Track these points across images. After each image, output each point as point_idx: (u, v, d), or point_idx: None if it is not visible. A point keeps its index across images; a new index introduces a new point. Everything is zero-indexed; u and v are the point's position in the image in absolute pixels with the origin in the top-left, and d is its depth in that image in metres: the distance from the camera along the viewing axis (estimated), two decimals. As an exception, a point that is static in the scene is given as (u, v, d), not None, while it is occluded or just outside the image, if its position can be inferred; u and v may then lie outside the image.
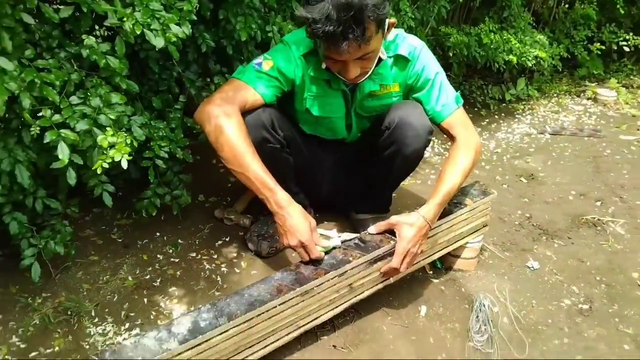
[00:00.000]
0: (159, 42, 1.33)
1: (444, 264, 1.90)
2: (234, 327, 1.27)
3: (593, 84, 4.32)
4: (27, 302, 1.55)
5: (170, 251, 1.83)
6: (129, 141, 1.29)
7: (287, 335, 1.42)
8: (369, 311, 1.66)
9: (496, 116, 3.55)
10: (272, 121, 1.61)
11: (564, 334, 1.69)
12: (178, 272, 1.75)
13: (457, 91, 1.77)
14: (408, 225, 1.49)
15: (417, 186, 2.50)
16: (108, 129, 1.28)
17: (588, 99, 4.07)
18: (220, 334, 1.26)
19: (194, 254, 1.84)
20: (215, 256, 1.84)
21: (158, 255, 1.80)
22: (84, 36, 1.28)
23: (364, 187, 1.97)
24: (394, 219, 1.52)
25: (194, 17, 1.46)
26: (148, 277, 1.71)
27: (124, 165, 1.26)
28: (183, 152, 1.70)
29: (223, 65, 1.95)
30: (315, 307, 1.45)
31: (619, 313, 1.80)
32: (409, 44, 1.69)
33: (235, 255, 1.86)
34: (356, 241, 1.56)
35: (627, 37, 4.31)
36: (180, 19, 1.40)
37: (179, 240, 1.88)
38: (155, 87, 1.77)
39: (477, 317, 1.68)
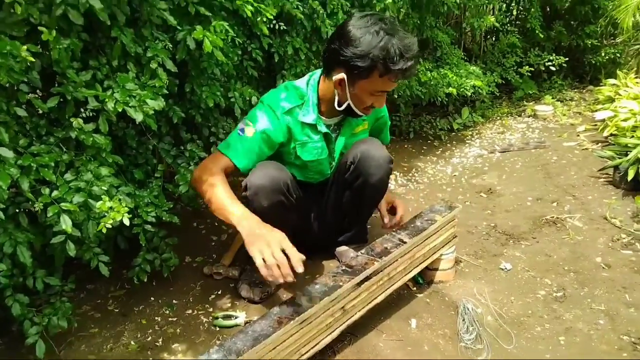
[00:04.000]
0: (138, 117, 1.49)
1: (424, 279, 2.04)
2: None
3: (531, 103, 4.68)
4: (36, 381, 1.60)
5: (167, 312, 1.91)
6: (123, 204, 1.42)
7: None
8: (364, 333, 1.77)
9: (448, 144, 3.81)
10: (288, 185, 1.78)
11: (544, 320, 1.83)
12: (178, 330, 1.82)
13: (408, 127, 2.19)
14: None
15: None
16: (103, 197, 1.40)
17: (528, 116, 4.41)
18: (232, 369, 1.35)
19: (190, 311, 1.92)
20: (211, 309, 1.93)
21: (156, 318, 1.88)
22: (72, 119, 1.43)
23: (342, 221, 2.13)
24: (389, 198, 2.09)
25: (166, 91, 1.64)
26: (150, 338, 1.78)
27: (126, 222, 1.39)
28: (168, 214, 1.83)
29: (193, 134, 2.11)
30: (314, 333, 1.56)
31: (590, 294, 1.96)
32: None
33: (229, 305, 1.95)
34: (343, 267, 1.70)
35: (551, 57, 4.74)
36: (154, 95, 1.57)
37: (174, 301, 1.97)
38: (134, 161, 1.91)
39: (464, 319, 1.82)
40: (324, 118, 1.90)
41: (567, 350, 1.68)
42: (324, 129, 1.89)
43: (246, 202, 1.75)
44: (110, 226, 1.38)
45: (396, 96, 3.58)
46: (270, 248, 1.49)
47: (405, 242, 1.79)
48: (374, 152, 1.89)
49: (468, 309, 1.85)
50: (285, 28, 2.28)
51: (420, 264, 1.90)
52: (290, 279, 1.49)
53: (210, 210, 1.70)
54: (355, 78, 1.71)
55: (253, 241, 1.52)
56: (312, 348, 1.57)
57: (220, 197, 1.65)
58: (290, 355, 1.51)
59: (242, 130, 1.80)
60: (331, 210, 2.10)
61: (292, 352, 1.51)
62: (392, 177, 3.17)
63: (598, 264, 2.16)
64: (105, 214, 1.38)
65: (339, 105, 1.82)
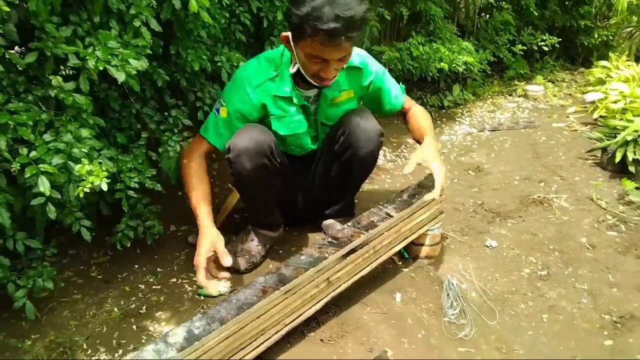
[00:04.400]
0: (120, 76, 1.43)
1: (410, 254, 2.03)
2: (226, 330, 1.35)
3: (522, 83, 4.66)
4: (16, 345, 1.56)
5: (151, 280, 1.88)
6: (104, 168, 1.38)
7: (276, 333, 1.50)
8: (348, 305, 1.76)
9: (438, 122, 3.78)
10: (272, 148, 1.74)
11: (528, 298, 1.84)
12: (162, 298, 1.80)
13: (399, 96, 2.07)
14: (438, 162, 1.84)
15: (375, 191, 2.65)
16: (83, 159, 1.35)
17: (519, 96, 4.39)
18: (215, 337, 1.33)
19: (174, 280, 1.89)
20: (196, 279, 1.90)
21: (140, 285, 1.85)
22: (50, 77, 1.36)
23: (330, 194, 2.10)
24: (427, 156, 1.85)
25: (149, 51, 1.57)
26: (133, 306, 1.75)
27: (104, 187, 1.34)
28: (151, 181, 1.78)
29: (178, 99, 2.05)
30: (299, 303, 1.55)
31: (574, 273, 1.97)
32: (357, 54, 1.86)
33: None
34: (329, 239, 1.67)
35: (544, 37, 4.70)
36: (137, 54, 1.51)
37: (158, 269, 1.94)
38: (117, 125, 1.85)
39: (448, 295, 1.82)
40: (301, 90, 1.83)
41: (550, 327, 1.69)
42: (300, 102, 1.83)
43: (229, 163, 1.74)
44: (88, 190, 1.33)
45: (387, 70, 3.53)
46: (197, 254, 1.61)
47: (391, 216, 1.77)
48: (365, 124, 1.84)
49: (453, 285, 1.85)
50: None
51: (406, 238, 1.88)
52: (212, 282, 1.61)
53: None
54: (295, 39, 1.64)
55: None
56: (296, 318, 1.56)
57: (191, 194, 1.75)
58: (274, 325, 1.49)
59: (217, 110, 1.82)
60: (319, 182, 2.07)
61: (276, 321, 1.49)
62: (381, 152, 3.13)
63: (583, 244, 2.17)
64: (84, 178, 1.33)
65: (293, 66, 1.75)
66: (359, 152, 1.86)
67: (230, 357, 1.40)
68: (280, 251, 2.06)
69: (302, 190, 2.09)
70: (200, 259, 1.58)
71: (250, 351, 1.45)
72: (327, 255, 1.60)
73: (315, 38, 1.56)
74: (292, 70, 1.75)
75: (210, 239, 1.62)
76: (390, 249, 1.82)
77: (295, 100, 1.82)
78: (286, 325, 1.53)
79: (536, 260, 2.05)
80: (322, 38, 1.54)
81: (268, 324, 1.47)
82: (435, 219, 1.98)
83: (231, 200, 2.22)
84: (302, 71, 1.71)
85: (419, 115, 2.04)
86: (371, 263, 1.75)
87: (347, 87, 1.89)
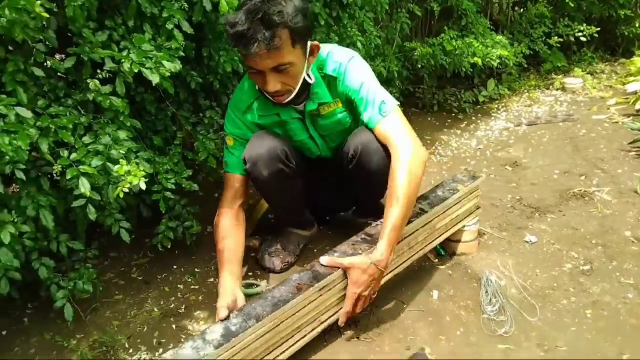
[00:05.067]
0: (155, 78, 1.47)
1: (447, 251, 2.00)
2: (262, 327, 1.36)
3: (559, 76, 4.53)
4: (63, 345, 1.61)
5: (190, 280, 1.91)
6: (141, 168, 1.41)
7: (312, 331, 1.50)
8: (384, 303, 1.74)
9: (473, 117, 3.71)
10: (286, 152, 1.73)
11: (570, 293, 1.78)
12: (200, 297, 1.83)
13: (375, 114, 1.70)
14: (360, 271, 1.49)
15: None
16: (121, 160, 1.39)
17: (557, 89, 4.27)
18: (251, 334, 1.34)
19: (212, 279, 1.92)
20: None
21: (179, 285, 1.88)
22: (88, 80, 1.41)
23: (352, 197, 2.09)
24: (347, 261, 1.50)
25: (182, 54, 1.61)
26: (172, 306, 1.79)
27: (142, 186, 1.37)
28: (188, 182, 1.81)
29: (212, 100, 2.08)
30: (335, 300, 1.54)
31: (618, 268, 1.90)
32: (334, 61, 1.70)
33: (251, 274, 1.95)
34: (362, 236, 1.67)
35: (582, 28, 4.56)
36: (170, 57, 1.54)
37: (196, 269, 1.97)
38: (153, 127, 1.89)
39: (487, 291, 1.78)
40: (294, 106, 1.75)
41: (594, 323, 1.64)
42: (287, 117, 1.77)
43: (247, 174, 1.75)
44: (127, 190, 1.37)
45: (420, 66, 3.50)
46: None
47: (425, 212, 1.74)
48: (375, 145, 1.71)
49: (491, 281, 1.81)
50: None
51: (441, 234, 1.85)
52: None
53: None
54: None
55: None
56: (331, 316, 1.56)
57: (218, 255, 1.66)
58: (310, 322, 1.49)
59: (225, 142, 1.80)
60: (336, 183, 2.02)
61: (311, 319, 1.49)
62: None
63: (627, 238, 2.09)
64: (123, 178, 1.36)
65: None
66: (375, 173, 1.75)
67: (267, 354, 1.41)
68: (315, 250, 2.06)
69: (329, 187, 2.07)
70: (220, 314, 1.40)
71: (287, 348, 1.46)
72: (360, 251, 1.59)
73: (236, 46, 1.50)
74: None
75: (223, 300, 1.45)
76: (426, 246, 1.80)
77: (283, 116, 1.77)
78: (322, 323, 1.53)
79: (578, 255, 1.99)
80: (237, 44, 1.47)
81: (303, 322, 1.47)
82: (471, 215, 1.95)
83: (259, 210, 2.23)
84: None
85: (390, 197, 1.56)
86: (407, 260, 1.73)
87: (329, 98, 1.74)
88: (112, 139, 1.47)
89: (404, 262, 1.72)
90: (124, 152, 1.45)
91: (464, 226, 1.94)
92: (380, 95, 1.69)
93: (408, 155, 1.58)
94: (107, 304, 1.80)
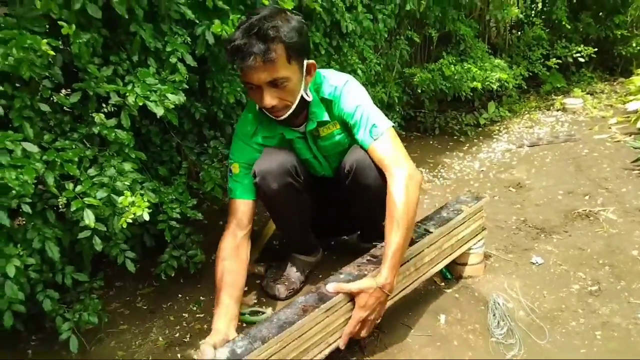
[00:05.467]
0: (159, 111, 1.49)
1: (453, 274, 1.99)
2: (268, 349, 1.35)
3: (559, 97, 4.57)
4: (67, 377, 1.61)
5: (195, 308, 1.91)
6: (145, 200, 1.42)
7: (319, 353, 1.49)
8: (391, 328, 1.73)
9: (475, 140, 3.74)
10: (295, 167, 1.76)
11: (579, 315, 1.77)
12: (205, 326, 1.82)
13: (367, 137, 1.73)
14: (367, 295, 1.51)
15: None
16: (126, 192, 1.41)
17: (557, 110, 4.30)
18: (257, 357, 1.33)
19: (217, 308, 1.91)
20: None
21: (184, 314, 1.88)
22: (94, 114, 1.44)
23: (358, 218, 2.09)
24: (355, 286, 1.51)
25: (186, 86, 1.64)
26: (177, 335, 1.78)
27: (146, 217, 1.38)
28: (193, 211, 1.83)
29: (216, 131, 2.11)
30: (341, 322, 1.53)
31: (627, 288, 1.89)
32: (329, 85, 1.75)
33: (256, 301, 1.94)
34: (368, 258, 1.67)
35: (579, 49, 4.62)
36: (174, 89, 1.57)
37: (201, 297, 1.97)
38: (158, 158, 1.92)
39: (494, 314, 1.76)
40: (295, 129, 1.80)
41: (605, 345, 1.62)
42: (292, 135, 1.80)
43: (256, 189, 1.76)
44: (131, 221, 1.38)
45: (420, 91, 3.54)
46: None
47: (431, 232, 1.75)
48: (369, 162, 1.74)
49: (498, 304, 1.80)
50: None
51: (448, 255, 1.85)
52: None
53: None
54: None
55: None
56: (338, 338, 1.54)
57: (216, 293, 1.61)
58: (317, 345, 1.48)
59: (230, 170, 1.80)
60: (339, 204, 2.02)
61: (318, 341, 1.48)
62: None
63: (635, 257, 2.08)
64: (127, 209, 1.38)
65: None
66: (371, 190, 1.77)
67: (274, 379, 1.40)
68: (320, 275, 2.06)
69: (334, 207, 2.08)
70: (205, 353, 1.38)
71: None
72: (366, 272, 1.59)
73: (233, 61, 1.55)
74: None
75: (211, 339, 1.44)
76: (433, 267, 1.80)
77: (287, 136, 1.80)
78: (329, 345, 1.52)
79: (585, 276, 1.98)
80: (234, 59, 1.53)
81: (310, 344, 1.46)
82: (477, 236, 1.95)
83: (270, 226, 2.25)
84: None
85: (389, 222, 1.59)
86: (414, 281, 1.73)
87: (330, 119, 1.78)
88: (117, 171, 1.49)
89: (411, 283, 1.72)
90: (128, 184, 1.47)
91: (469, 248, 1.93)
92: (373, 118, 1.72)
93: (403, 178, 1.60)
94: (112, 334, 1.79)
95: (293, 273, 1.99)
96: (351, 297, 1.53)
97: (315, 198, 1.96)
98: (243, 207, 1.77)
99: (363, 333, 1.56)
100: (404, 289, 1.69)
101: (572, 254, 2.14)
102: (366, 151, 1.73)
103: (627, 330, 1.67)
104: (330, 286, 1.53)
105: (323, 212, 2.07)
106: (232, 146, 1.83)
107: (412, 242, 1.69)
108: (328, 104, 1.76)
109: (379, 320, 1.60)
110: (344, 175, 1.81)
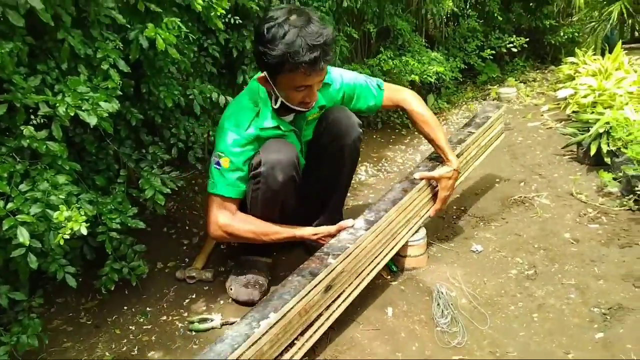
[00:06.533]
0: (92, 120, 1.45)
1: (398, 267, 2.04)
2: (389, 217, 1.85)
3: (495, 86, 4.74)
4: (6, 402, 1.54)
5: (142, 320, 1.87)
6: (82, 213, 1.38)
7: (416, 222, 2.02)
8: (340, 325, 1.75)
9: (416, 133, 3.82)
10: (299, 161, 1.83)
11: (517, 299, 1.86)
12: (153, 337, 1.78)
13: (377, 89, 2.10)
14: (446, 179, 2.06)
15: (359, 207, 2.67)
16: (61, 206, 1.36)
17: (493, 99, 4.46)
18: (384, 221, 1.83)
19: (164, 317, 1.88)
20: (186, 314, 1.89)
21: (130, 327, 1.83)
22: (22, 127, 1.38)
23: (318, 201, 2.15)
24: (436, 173, 2.05)
25: (120, 93, 1.60)
26: (124, 348, 1.74)
27: (84, 231, 1.34)
28: (134, 220, 1.78)
29: (155, 136, 2.07)
30: (425, 200, 2.06)
31: (560, 270, 2.00)
32: None
33: (205, 308, 1.92)
34: (425, 163, 2.19)
35: (512, 39, 4.80)
36: (107, 97, 1.53)
37: (148, 309, 1.92)
38: (95, 168, 1.86)
39: (438, 304, 1.82)
40: (283, 118, 1.87)
41: (541, 326, 1.71)
42: (287, 128, 1.88)
43: (256, 179, 1.77)
44: (68, 237, 1.34)
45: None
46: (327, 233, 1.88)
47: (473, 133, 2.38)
48: (344, 116, 1.95)
49: (442, 293, 1.86)
50: (241, 22, 2.24)
51: (391, 249, 1.90)
52: None
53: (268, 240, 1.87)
54: (273, 75, 1.69)
55: None
56: (426, 212, 2.08)
57: (269, 233, 1.85)
58: (415, 216, 2.01)
59: (218, 163, 1.81)
60: (311, 180, 2.07)
61: (414, 214, 2.01)
62: (362, 167, 3.17)
63: (567, 240, 2.20)
64: (64, 225, 1.33)
65: (275, 102, 1.79)
66: (345, 140, 1.95)
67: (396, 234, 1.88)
68: (270, 277, 2.06)
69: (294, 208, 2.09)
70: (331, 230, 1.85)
71: (406, 233, 1.95)
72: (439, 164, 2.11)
73: (297, 71, 1.62)
74: (275, 106, 1.79)
75: (313, 233, 1.88)
76: (383, 259, 1.87)
77: (283, 128, 1.85)
78: (422, 217, 2.06)
79: (522, 261, 2.08)
80: (305, 69, 1.62)
81: (411, 215, 1.97)
82: (416, 230, 2.02)
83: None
84: (287, 103, 1.75)
85: (431, 125, 2.08)
86: (358, 276, 1.76)
87: (324, 102, 1.94)
88: (51, 185, 1.43)
89: (358, 278, 1.75)
90: (63, 197, 1.42)
91: (410, 241, 1.99)
92: (370, 78, 2.11)
93: (419, 100, 2.12)
94: (55, 353, 1.72)
95: (259, 275, 1.97)
96: (430, 182, 2.07)
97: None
98: (231, 202, 1.84)
99: (444, 206, 2.11)
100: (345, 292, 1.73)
101: (509, 240, 2.24)
102: (381, 101, 2.10)
103: (560, 311, 1.77)
104: (417, 174, 2.07)
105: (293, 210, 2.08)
106: (221, 139, 1.82)
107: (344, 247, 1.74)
108: (326, 87, 1.93)
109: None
110: (320, 133, 1.97)
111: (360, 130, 1.98)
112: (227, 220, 1.82)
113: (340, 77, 2.00)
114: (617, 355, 1.55)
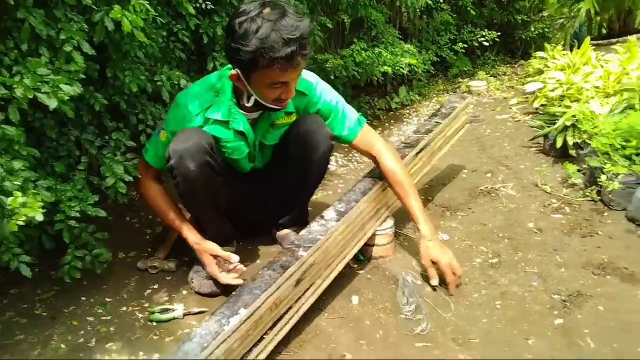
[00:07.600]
0: (52, 103, 1.41)
1: (365, 255, 2.05)
2: (362, 205, 1.89)
3: (465, 80, 4.79)
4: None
5: (100, 311, 1.82)
6: (39, 199, 1.34)
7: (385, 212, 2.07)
8: (305, 314, 1.73)
9: (387, 124, 3.85)
10: (212, 146, 1.73)
11: (481, 287, 1.88)
12: (112, 328, 1.74)
13: (355, 124, 2.00)
14: (448, 258, 1.84)
15: (329, 197, 2.67)
16: (16, 192, 1.31)
17: (463, 92, 4.51)
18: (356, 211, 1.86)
19: (124, 308, 1.83)
20: (147, 304, 1.85)
21: (88, 318, 1.78)
22: (-26, 110, 1.33)
23: (285, 199, 2.11)
24: (425, 260, 1.88)
25: (83, 76, 1.55)
26: (81, 340, 1.68)
27: (40, 218, 1.30)
28: (94, 208, 1.74)
29: (119, 122, 2.02)
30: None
31: (523, 258, 2.03)
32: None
33: (166, 298, 1.88)
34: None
35: (484, 33, 4.86)
36: (69, 80, 1.48)
37: (107, 299, 1.88)
38: (55, 154, 1.80)
39: (403, 292, 1.83)
40: (245, 113, 1.81)
41: (503, 313, 1.73)
42: (238, 127, 1.81)
43: (172, 173, 1.72)
44: (23, 223, 1.29)
45: (333, 77, 3.57)
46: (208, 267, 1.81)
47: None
48: (316, 127, 1.87)
49: (407, 281, 1.87)
50: (213, 7, 2.20)
51: (359, 240, 1.91)
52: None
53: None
54: (246, 72, 1.63)
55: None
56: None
57: (167, 217, 1.89)
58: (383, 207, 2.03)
59: (159, 132, 1.85)
60: (265, 195, 2.07)
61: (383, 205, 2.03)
62: (333, 157, 3.17)
63: (531, 229, 2.24)
64: (18, 211, 1.29)
65: (248, 100, 1.73)
66: (314, 154, 1.88)
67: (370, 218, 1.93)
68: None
69: (253, 200, 2.08)
70: (213, 269, 1.79)
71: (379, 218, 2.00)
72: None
73: (272, 68, 1.57)
74: (248, 104, 1.73)
75: (208, 251, 1.81)
76: (351, 249, 1.88)
77: (232, 125, 1.80)
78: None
79: (487, 249, 2.10)
80: (281, 65, 1.56)
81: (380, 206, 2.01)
82: (386, 220, 2.02)
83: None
84: (261, 101, 1.71)
85: (405, 187, 1.93)
86: (328, 267, 1.76)
87: (292, 109, 1.88)
88: (6, 170, 1.38)
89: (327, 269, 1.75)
90: (19, 183, 1.37)
91: (378, 230, 2.00)
92: (353, 112, 2.01)
93: (394, 155, 1.99)
94: (8, 346, 1.65)
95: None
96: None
97: (233, 194, 1.95)
98: (153, 170, 1.90)
99: (458, 271, 1.84)
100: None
101: (475, 229, 2.26)
102: (354, 139, 1.99)
103: (522, 298, 1.80)
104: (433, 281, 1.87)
105: (242, 208, 2.06)
106: (170, 112, 1.82)
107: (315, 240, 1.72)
108: (301, 96, 1.86)
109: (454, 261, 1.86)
110: (289, 141, 1.90)
111: (332, 143, 1.91)
112: (145, 183, 1.91)
113: (320, 93, 1.92)
114: (575, 340, 1.58)
